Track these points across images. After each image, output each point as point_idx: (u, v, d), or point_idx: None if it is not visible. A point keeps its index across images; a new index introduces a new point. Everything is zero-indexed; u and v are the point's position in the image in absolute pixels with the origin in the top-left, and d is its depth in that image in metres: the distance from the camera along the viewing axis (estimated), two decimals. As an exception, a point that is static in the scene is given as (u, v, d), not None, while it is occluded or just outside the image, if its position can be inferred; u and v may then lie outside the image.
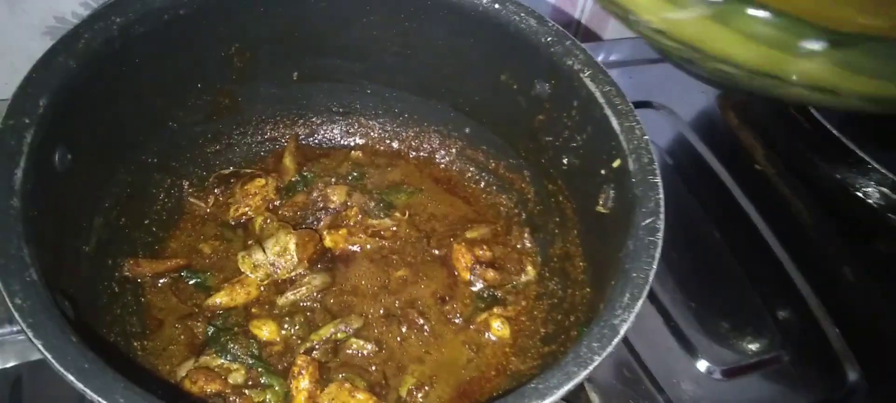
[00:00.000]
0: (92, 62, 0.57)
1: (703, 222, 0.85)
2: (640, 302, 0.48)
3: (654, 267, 0.50)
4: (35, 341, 0.43)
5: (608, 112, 0.61)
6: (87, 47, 0.56)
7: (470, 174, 0.79)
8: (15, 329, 0.48)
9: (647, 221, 0.53)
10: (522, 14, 0.66)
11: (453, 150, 0.80)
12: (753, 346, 0.75)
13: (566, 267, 0.69)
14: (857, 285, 0.80)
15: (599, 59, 0.64)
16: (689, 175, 0.88)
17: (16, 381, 0.61)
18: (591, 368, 0.45)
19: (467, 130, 0.78)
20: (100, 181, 0.62)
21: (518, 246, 0.73)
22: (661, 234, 0.52)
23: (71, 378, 0.41)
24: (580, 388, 0.63)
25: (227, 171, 0.74)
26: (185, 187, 0.72)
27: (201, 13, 0.63)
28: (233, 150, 0.76)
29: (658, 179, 0.55)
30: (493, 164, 0.78)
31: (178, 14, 0.62)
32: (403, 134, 0.81)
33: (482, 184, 0.79)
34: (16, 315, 0.43)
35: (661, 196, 0.54)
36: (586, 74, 0.63)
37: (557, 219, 0.71)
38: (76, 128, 0.56)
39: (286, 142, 0.78)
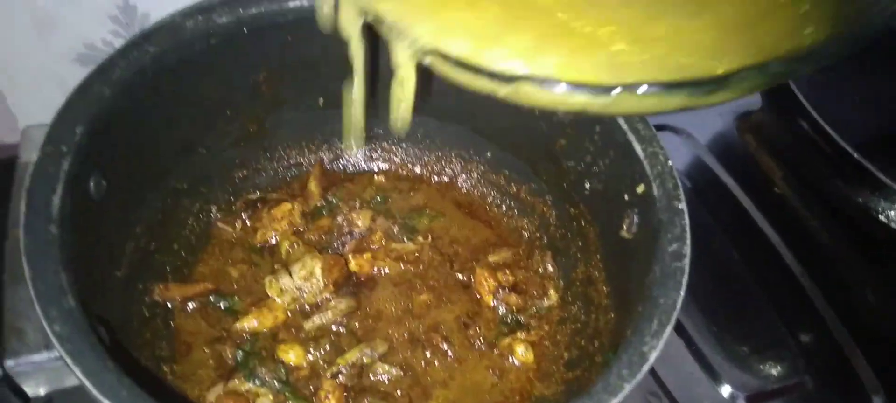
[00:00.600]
0: (126, 91, 0.58)
1: (724, 246, 0.85)
2: (668, 330, 0.49)
3: (682, 293, 0.51)
4: (74, 368, 0.43)
5: (631, 137, 0.61)
6: (122, 76, 0.58)
7: (492, 198, 0.80)
8: (52, 355, 0.49)
9: (674, 247, 0.53)
10: (545, 41, 0.67)
11: (475, 174, 0.80)
12: (776, 371, 0.74)
13: (589, 291, 0.69)
14: (880, 308, 0.80)
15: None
16: (709, 198, 0.88)
17: (46, 403, 0.63)
18: (621, 396, 0.45)
19: (489, 154, 0.79)
20: (131, 206, 0.63)
21: (540, 271, 0.74)
22: (687, 260, 0.52)
23: (108, 403, 0.42)
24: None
25: (254, 196, 0.75)
26: (214, 212, 0.73)
27: (231, 42, 0.64)
28: (260, 175, 0.77)
29: (683, 205, 0.55)
30: (515, 189, 0.78)
31: (209, 43, 0.63)
32: (425, 158, 0.81)
33: (504, 208, 0.79)
34: (54, 341, 0.44)
35: (687, 222, 0.55)
36: (609, 101, 0.63)
37: (580, 244, 0.71)
38: (111, 155, 0.57)
39: (311, 167, 0.79)
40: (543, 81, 0.38)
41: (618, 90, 0.37)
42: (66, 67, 0.78)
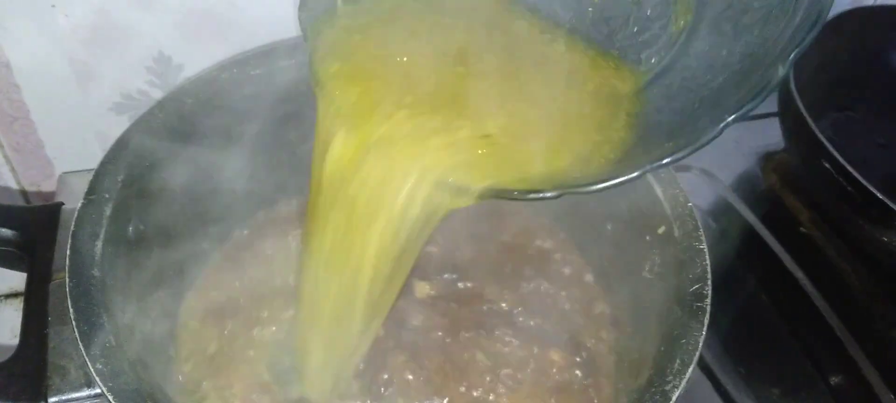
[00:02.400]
0: (166, 139, 0.61)
1: (750, 287, 0.84)
2: (690, 369, 0.49)
3: (704, 333, 0.51)
4: (114, 404, 0.45)
5: (651, 179, 0.62)
6: (162, 126, 0.61)
7: (515, 239, 0.81)
8: (93, 392, 0.51)
9: (695, 287, 0.54)
10: (565, 87, 0.69)
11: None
12: (806, 413, 0.74)
13: (615, 330, 0.70)
14: (910, 349, 0.79)
15: (638, 124, 0.67)
16: (733, 238, 0.88)
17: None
18: (644, 434, 0.46)
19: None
20: (166, 249, 0.65)
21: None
22: (709, 300, 0.53)
23: (147, 438, 0.44)
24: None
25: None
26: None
27: (264, 94, 0.68)
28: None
29: (704, 245, 0.56)
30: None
31: (244, 93, 0.66)
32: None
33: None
34: (97, 379, 0.46)
35: (708, 262, 0.55)
36: (629, 144, 0.65)
37: (603, 285, 0.72)
38: (149, 201, 0.60)
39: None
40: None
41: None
42: (103, 116, 0.80)
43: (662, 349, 0.52)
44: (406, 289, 0.68)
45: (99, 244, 0.53)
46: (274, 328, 0.65)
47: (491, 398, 0.62)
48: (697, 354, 0.50)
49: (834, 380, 0.76)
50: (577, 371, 0.65)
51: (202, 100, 0.64)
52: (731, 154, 0.98)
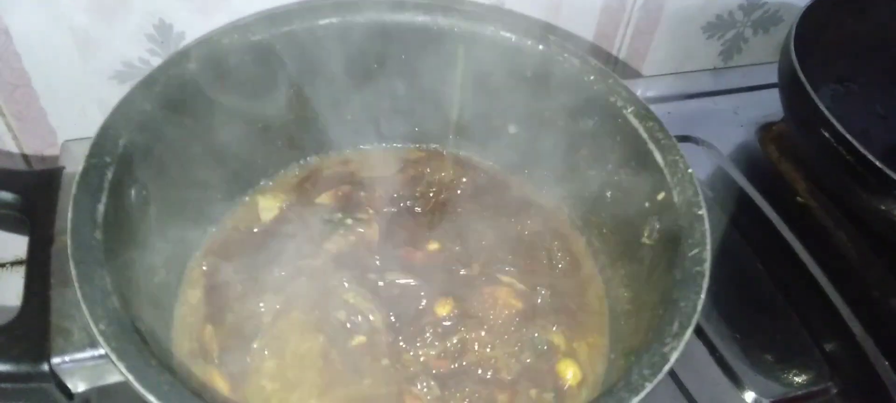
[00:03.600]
0: (166, 105, 0.61)
1: (747, 255, 0.85)
2: (689, 331, 0.50)
3: (702, 296, 0.52)
4: (118, 364, 0.46)
5: (651, 147, 0.63)
6: (162, 91, 0.61)
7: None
8: (96, 352, 0.51)
9: (694, 252, 0.54)
10: (565, 55, 0.69)
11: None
12: (801, 378, 0.74)
13: (610, 296, 0.70)
14: (906, 317, 0.80)
15: (638, 94, 0.67)
16: (731, 208, 0.89)
17: (85, 403, 0.65)
18: (642, 395, 0.47)
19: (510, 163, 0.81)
20: (170, 214, 0.65)
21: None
22: (707, 265, 0.54)
23: (152, 398, 0.44)
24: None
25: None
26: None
27: (265, 58, 0.68)
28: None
29: (703, 211, 0.57)
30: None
31: (243, 59, 0.66)
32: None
33: (527, 218, 0.81)
34: (100, 340, 0.46)
35: (707, 227, 0.56)
36: (629, 111, 0.65)
37: (602, 250, 0.73)
38: (151, 165, 0.60)
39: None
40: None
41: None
42: (104, 84, 0.80)
43: (661, 312, 0.53)
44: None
45: (101, 207, 0.53)
46: (279, 294, 0.65)
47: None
48: (696, 317, 0.51)
49: (829, 347, 0.77)
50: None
51: (203, 64, 0.63)
52: (730, 124, 0.98)
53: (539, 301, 0.66)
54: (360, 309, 0.63)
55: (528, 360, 0.63)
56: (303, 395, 0.59)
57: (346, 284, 0.64)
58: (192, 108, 0.64)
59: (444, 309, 0.63)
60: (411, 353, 0.61)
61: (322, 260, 0.67)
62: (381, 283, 0.65)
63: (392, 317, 0.63)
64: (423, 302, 0.65)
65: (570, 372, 0.63)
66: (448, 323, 0.63)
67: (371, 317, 0.63)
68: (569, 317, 0.66)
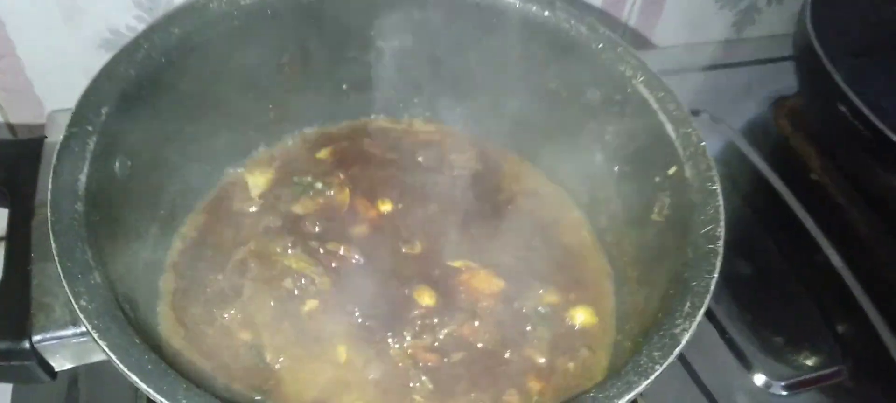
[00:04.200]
0: (150, 72, 0.58)
1: (758, 233, 0.83)
2: (701, 312, 0.47)
3: (716, 275, 0.49)
4: (100, 342, 0.43)
5: (663, 118, 0.60)
6: (147, 58, 0.58)
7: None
8: (78, 330, 0.49)
9: (707, 229, 0.52)
10: (572, 21, 0.66)
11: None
12: (812, 360, 0.73)
13: (618, 277, 0.68)
14: (920, 298, 0.78)
15: (647, 65, 0.64)
16: (742, 185, 0.86)
17: (72, 382, 0.63)
18: (651, 378, 0.44)
19: (516, 139, 0.78)
20: (156, 188, 0.63)
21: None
22: (721, 242, 0.51)
23: (135, 378, 0.42)
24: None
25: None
26: (238, 195, 0.73)
27: (255, 24, 0.65)
28: (283, 159, 0.77)
29: (717, 186, 0.54)
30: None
31: (232, 25, 0.63)
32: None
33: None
34: (81, 316, 0.44)
35: (721, 202, 0.53)
36: (639, 80, 0.62)
37: (608, 228, 0.70)
38: (136, 135, 0.58)
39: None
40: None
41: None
42: (91, 53, 0.78)
43: (671, 292, 0.51)
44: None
45: (82, 178, 0.51)
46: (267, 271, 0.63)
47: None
48: (709, 297, 0.48)
49: (841, 328, 0.75)
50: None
51: (189, 30, 0.61)
52: (742, 98, 0.96)
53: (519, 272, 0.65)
54: (304, 273, 0.62)
55: (540, 330, 0.62)
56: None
57: (289, 251, 0.64)
58: (178, 76, 0.61)
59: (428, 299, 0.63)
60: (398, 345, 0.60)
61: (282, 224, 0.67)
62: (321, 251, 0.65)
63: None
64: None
65: (580, 316, 0.63)
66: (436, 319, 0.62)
67: (316, 280, 0.62)
68: (560, 275, 0.66)
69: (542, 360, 0.60)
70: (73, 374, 0.63)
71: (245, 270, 0.63)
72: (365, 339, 0.60)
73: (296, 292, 0.62)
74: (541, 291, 0.64)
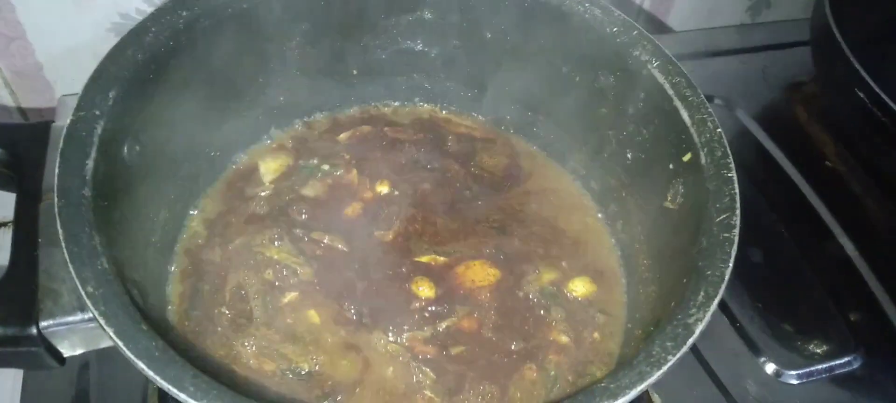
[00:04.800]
0: (159, 56, 0.57)
1: (771, 220, 0.82)
2: (715, 302, 0.46)
3: (731, 264, 0.49)
4: (107, 328, 0.43)
5: (678, 104, 0.59)
6: (155, 41, 0.57)
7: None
8: (86, 316, 0.49)
9: (722, 217, 0.51)
10: (586, 4, 0.65)
11: (510, 145, 0.78)
12: (824, 349, 0.72)
13: (629, 265, 0.67)
14: (935, 287, 0.77)
15: (661, 50, 0.63)
16: (756, 172, 0.85)
17: (83, 367, 0.63)
18: (665, 368, 0.44)
19: (525, 124, 0.77)
20: (166, 173, 0.63)
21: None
22: (737, 231, 0.50)
23: (142, 365, 0.41)
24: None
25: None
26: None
27: (263, 9, 0.64)
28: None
29: (733, 173, 0.53)
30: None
31: (241, 7, 0.62)
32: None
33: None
34: (88, 302, 0.44)
35: (737, 191, 0.52)
36: (655, 65, 0.61)
37: (620, 216, 0.69)
38: (144, 120, 0.57)
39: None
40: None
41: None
42: (101, 37, 0.78)
43: (684, 281, 0.50)
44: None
45: (90, 162, 0.50)
46: (276, 255, 0.63)
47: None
48: (723, 287, 0.47)
49: (854, 317, 0.74)
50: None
51: (198, 13, 0.60)
52: (756, 84, 0.94)
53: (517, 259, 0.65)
54: (286, 263, 0.61)
55: (555, 311, 0.62)
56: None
57: (276, 243, 0.63)
58: (186, 60, 0.60)
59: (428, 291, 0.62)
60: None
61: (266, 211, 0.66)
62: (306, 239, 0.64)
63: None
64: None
65: (579, 287, 0.63)
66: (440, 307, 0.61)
67: (299, 271, 0.61)
68: (552, 251, 0.66)
69: (566, 339, 0.60)
70: (83, 360, 0.63)
71: (244, 294, 0.61)
72: (363, 332, 0.60)
73: (277, 283, 0.61)
74: (537, 271, 0.64)
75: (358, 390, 0.56)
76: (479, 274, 0.63)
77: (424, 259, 0.63)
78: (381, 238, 0.65)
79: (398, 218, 0.66)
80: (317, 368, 0.57)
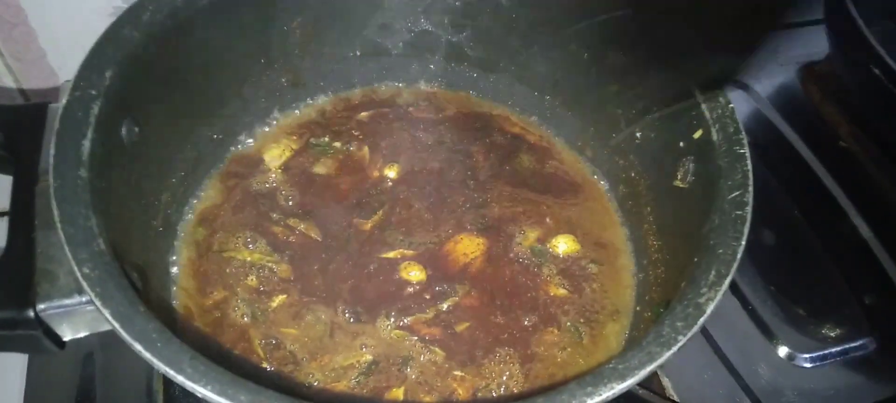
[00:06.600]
0: (157, 35, 0.56)
1: (784, 201, 0.80)
2: (727, 280, 0.45)
3: (743, 242, 0.47)
4: (103, 310, 0.42)
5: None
6: (153, 20, 0.56)
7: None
8: (83, 298, 0.48)
9: (734, 194, 0.50)
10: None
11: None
12: (837, 332, 0.70)
13: (637, 245, 0.66)
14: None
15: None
16: (769, 152, 0.83)
17: (87, 356, 0.63)
18: (675, 349, 0.42)
19: (532, 103, 0.75)
20: (167, 156, 0.62)
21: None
22: (749, 208, 0.49)
23: (138, 347, 0.41)
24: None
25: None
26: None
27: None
28: (295, 126, 0.75)
29: (746, 150, 0.52)
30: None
31: (241, -15, 0.61)
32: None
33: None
34: (84, 284, 0.43)
35: (750, 167, 0.51)
36: (664, 41, 0.59)
37: (628, 195, 0.68)
38: (143, 101, 0.56)
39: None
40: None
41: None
42: (104, 22, 0.76)
43: (696, 260, 0.48)
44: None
45: (86, 143, 0.49)
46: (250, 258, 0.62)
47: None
48: (736, 265, 0.46)
49: (868, 299, 0.73)
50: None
51: (196, -9, 0.58)
52: (769, 63, 0.92)
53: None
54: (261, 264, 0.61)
55: (547, 268, 0.62)
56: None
57: (249, 245, 0.62)
58: (185, 39, 0.59)
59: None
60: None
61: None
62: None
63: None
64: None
65: (562, 244, 0.64)
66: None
67: (275, 269, 0.60)
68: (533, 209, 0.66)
69: (563, 292, 0.61)
70: (88, 349, 0.62)
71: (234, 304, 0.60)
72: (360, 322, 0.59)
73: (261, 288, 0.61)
74: (523, 231, 0.65)
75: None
76: (470, 247, 0.63)
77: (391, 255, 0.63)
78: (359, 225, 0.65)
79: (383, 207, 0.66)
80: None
